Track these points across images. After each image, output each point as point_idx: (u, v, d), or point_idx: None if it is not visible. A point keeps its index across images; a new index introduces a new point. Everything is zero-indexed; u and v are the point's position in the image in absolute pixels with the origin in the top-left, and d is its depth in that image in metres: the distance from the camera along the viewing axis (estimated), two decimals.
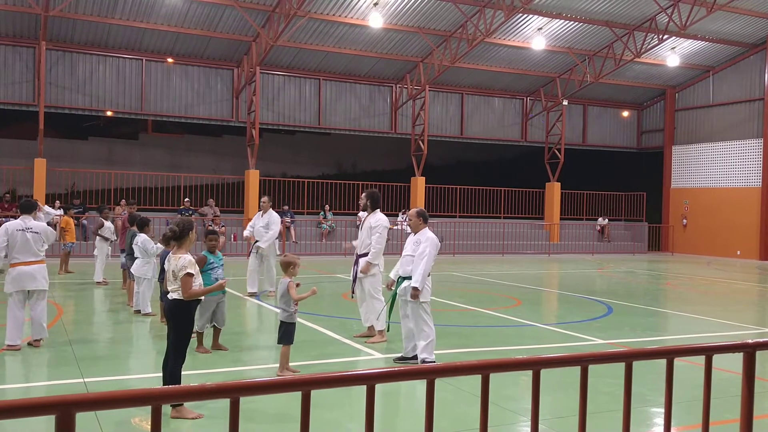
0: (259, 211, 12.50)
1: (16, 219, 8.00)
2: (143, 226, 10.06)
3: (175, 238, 5.51)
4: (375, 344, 8.13)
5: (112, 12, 19.53)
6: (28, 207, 7.84)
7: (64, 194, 22.60)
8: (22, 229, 7.51)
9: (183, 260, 5.38)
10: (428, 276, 7.10)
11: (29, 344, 7.50)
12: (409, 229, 24.42)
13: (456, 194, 26.46)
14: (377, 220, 8.49)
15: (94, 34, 20.62)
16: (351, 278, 8.65)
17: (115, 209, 18.07)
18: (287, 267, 6.61)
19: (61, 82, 20.96)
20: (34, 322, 7.54)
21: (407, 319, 7.15)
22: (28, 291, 7.54)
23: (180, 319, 5.37)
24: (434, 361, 6.99)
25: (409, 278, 6.99)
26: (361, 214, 9.15)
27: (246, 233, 12.69)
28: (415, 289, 6.87)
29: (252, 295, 11.97)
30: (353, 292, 8.62)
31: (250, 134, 22.41)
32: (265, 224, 12.09)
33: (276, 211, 12.79)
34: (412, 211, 7.35)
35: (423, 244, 7.02)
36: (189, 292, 5.30)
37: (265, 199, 12.46)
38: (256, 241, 12.08)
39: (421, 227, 7.22)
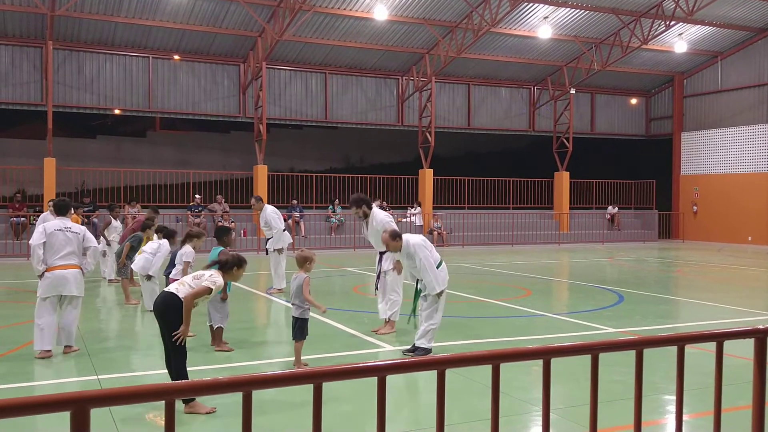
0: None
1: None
2: (170, 237, 9.89)
3: (222, 268, 5.62)
4: (385, 336, 8.16)
5: (118, 10, 19.58)
6: (64, 207, 7.35)
7: (73, 193, 22.71)
8: (62, 229, 7.09)
9: (219, 279, 5.50)
10: (440, 266, 7.13)
11: (64, 352, 7.20)
12: (417, 221, 24.24)
13: (464, 185, 26.42)
14: (380, 220, 8.40)
15: (100, 32, 20.68)
16: (375, 274, 8.60)
17: (125, 208, 18.17)
18: (303, 262, 6.59)
19: (69, 81, 21.05)
20: (63, 329, 7.15)
21: (424, 311, 7.18)
22: (60, 296, 7.11)
23: (173, 315, 5.30)
24: (431, 350, 7.08)
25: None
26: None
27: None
28: (439, 293, 6.99)
29: (279, 290, 11.90)
30: (376, 288, 8.56)
31: (258, 129, 22.45)
32: (264, 223, 11.95)
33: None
34: (385, 236, 7.20)
35: (416, 255, 7.00)
36: (189, 300, 5.30)
37: (252, 200, 12.37)
38: (269, 239, 12.05)
39: (400, 244, 7.10)
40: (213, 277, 5.45)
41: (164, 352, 5.51)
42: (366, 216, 8.53)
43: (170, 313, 5.30)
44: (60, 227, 7.10)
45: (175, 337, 5.22)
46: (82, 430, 1.84)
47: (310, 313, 6.68)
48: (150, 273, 9.46)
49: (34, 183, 21.68)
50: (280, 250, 11.83)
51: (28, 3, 18.55)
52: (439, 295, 7.03)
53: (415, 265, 7.06)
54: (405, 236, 7.20)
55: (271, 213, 11.94)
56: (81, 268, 7.23)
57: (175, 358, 5.34)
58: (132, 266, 10.04)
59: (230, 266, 5.62)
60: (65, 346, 7.20)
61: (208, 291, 5.38)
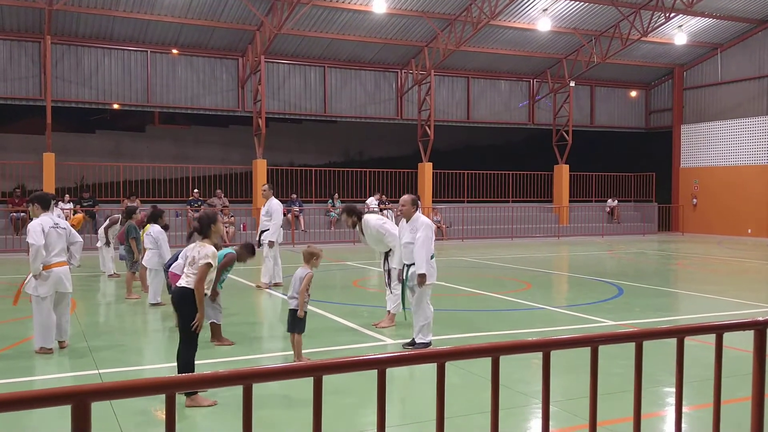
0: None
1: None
2: (157, 218, 10.10)
3: (200, 233, 5.57)
4: (385, 329, 8.17)
5: (116, 4, 19.52)
6: (48, 201, 7.23)
7: (73, 188, 22.71)
8: (54, 227, 7.04)
9: (207, 249, 5.46)
10: (432, 258, 7.15)
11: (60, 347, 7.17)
12: None
13: (464, 179, 26.40)
14: (374, 226, 8.41)
15: (98, 27, 20.63)
16: (384, 273, 8.63)
17: (123, 202, 18.18)
18: (310, 258, 6.58)
19: (67, 76, 21.01)
20: (59, 326, 7.13)
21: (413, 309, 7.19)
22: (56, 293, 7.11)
23: (188, 308, 5.37)
24: (430, 343, 7.11)
25: (413, 264, 7.05)
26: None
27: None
28: (421, 275, 6.92)
29: (277, 285, 11.73)
30: (389, 285, 8.55)
31: (257, 124, 22.41)
32: (265, 212, 11.84)
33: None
34: (407, 198, 7.28)
35: (420, 230, 7.04)
36: (199, 284, 5.33)
37: (265, 186, 12.11)
38: (262, 231, 11.87)
39: (414, 212, 7.25)
40: (203, 251, 5.44)
41: (178, 343, 5.54)
42: (355, 225, 8.59)
43: (186, 305, 5.37)
44: (52, 224, 7.06)
45: (194, 327, 5.31)
46: (82, 424, 1.84)
47: (312, 307, 6.66)
48: (166, 261, 9.64)
49: (33, 178, 21.66)
50: (271, 243, 11.71)
51: None
52: (422, 281, 6.94)
53: (412, 240, 7.07)
54: (420, 213, 7.31)
55: (275, 205, 11.89)
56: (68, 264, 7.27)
57: (185, 349, 5.40)
58: (144, 263, 10.19)
59: (206, 229, 5.61)
60: (60, 342, 7.18)
61: (209, 266, 5.40)
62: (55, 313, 7.11)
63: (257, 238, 12.21)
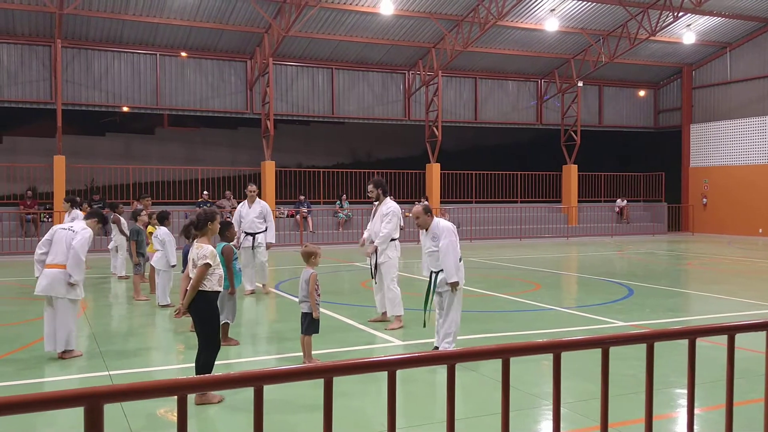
0: (244, 200, 11.68)
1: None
2: (163, 219, 10.22)
3: (196, 228, 5.59)
4: (393, 331, 8.17)
5: (126, 8, 19.63)
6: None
7: (83, 190, 22.83)
8: (65, 228, 6.96)
9: (204, 250, 5.45)
10: (460, 261, 6.98)
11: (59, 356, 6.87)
12: None
13: (472, 180, 26.36)
14: (388, 207, 8.54)
15: (108, 30, 20.75)
16: (370, 267, 8.72)
17: (133, 204, 18.25)
18: (309, 257, 6.58)
19: (78, 79, 21.13)
20: (56, 331, 6.82)
21: (442, 310, 6.95)
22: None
23: (202, 310, 5.41)
24: None
25: (442, 271, 6.79)
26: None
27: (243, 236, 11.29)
28: (453, 283, 6.71)
29: (252, 292, 11.14)
30: (374, 278, 8.65)
31: (265, 125, 22.47)
32: (258, 214, 11.27)
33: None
34: (417, 209, 7.01)
35: (443, 236, 6.79)
36: (196, 284, 5.34)
37: (253, 188, 11.61)
38: (248, 234, 11.24)
39: (430, 221, 6.97)
40: (201, 252, 5.42)
41: (198, 347, 5.56)
42: (378, 198, 8.70)
43: (201, 306, 5.40)
44: (65, 226, 7.03)
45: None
46: (96, 426, 1.85)
47: (320, 308, 6.66)
48: (172, 263, 9.92)
49: (44, 180, 21.80)
50: (270, 245, 11.38)
51: (37, 2, 18.62)
52: (455, 287, 6.77)
53: (436, 248, 6.80)
54: (437, 218, 7.07)
55: (268, 207, 11.61)
56: (64, 267, 6.85)
57: (205, 351, 5.43)
58: (152, 263, 10.29)
59: (202, 224, 5.56)
60: (59, 352, 6.85)
61: (208, 267, 5.38)
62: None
63: (239, 242, 11.17)
